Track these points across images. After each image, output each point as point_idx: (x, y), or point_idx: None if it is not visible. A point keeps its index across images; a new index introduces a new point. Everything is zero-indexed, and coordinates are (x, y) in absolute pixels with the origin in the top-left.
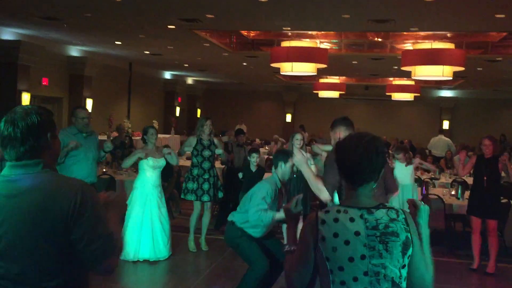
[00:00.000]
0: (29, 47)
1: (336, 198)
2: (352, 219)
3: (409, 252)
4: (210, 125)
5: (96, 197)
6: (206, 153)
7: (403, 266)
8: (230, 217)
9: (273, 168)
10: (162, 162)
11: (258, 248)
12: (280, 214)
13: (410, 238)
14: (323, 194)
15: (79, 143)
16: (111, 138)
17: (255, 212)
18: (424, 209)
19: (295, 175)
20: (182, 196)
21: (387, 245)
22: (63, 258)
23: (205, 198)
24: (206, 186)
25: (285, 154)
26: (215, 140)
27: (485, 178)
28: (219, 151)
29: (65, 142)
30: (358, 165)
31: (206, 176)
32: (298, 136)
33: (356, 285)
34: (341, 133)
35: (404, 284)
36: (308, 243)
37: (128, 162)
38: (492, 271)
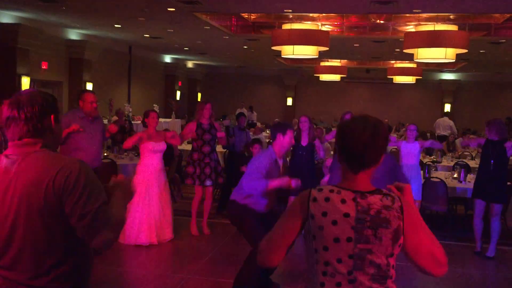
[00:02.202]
0: (28, 30)
1: None
2: (343, 201)
3: (400, 241)
4: (210, 109)
5: (92, 176)
6: (207, 136)
7: (391, 255)
8: (231, 196)
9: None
10: (162, 146)
11: (262, 227)
12: (275, 182)
13: (402, 227)
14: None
15: (79, 127)
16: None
17: (248, 181)
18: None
19: (304, 160)
20: (184, 181)
21: (376, 231)
22: (58, 234)
23: (208, 183)
24: (207, 170)
25: (283, 126)
26: (216, 124)
27: (492, 161)
28: (220, 134)
29: (72, 125)
30: (364, 149)
31: (207, 161)
32: (302, 119)
33: (339, 267)
34: None
35: (391, 272)
36: (294, 214)
37: (128, 142)
38: (493, 254)
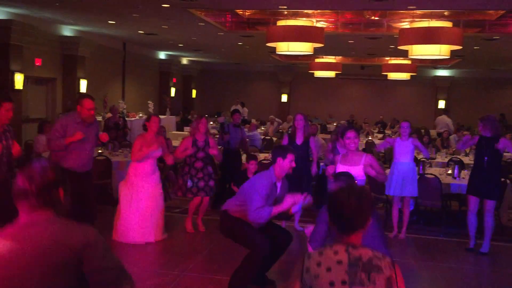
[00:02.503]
0: (22, 26)
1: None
2: (336, 252)
3: None
4: (206, 123)
5: (102, 240)
6: (200, 154)
7: None
8: (224, 206)
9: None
10: (158, 153)
11: (256, 230)
12: (278, 208)
13: (395, 278)
14: (309, 249)
15: (83, 135)
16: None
17: (253, 211)
18: None
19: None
20: (181, 194)
21: (369, 275)
22: None
23: (201, 194)
24: (201, 184)
25: (284, 150)
26: (211, 141)
27: (486, 158)
28: (213, 151)
29: (68, 128)
30: (351, 213)
31: (200, 175)
32: (298, 117)
33: None
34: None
35: None
36: (297, 280)
37: (137, 154)
38: (486, 250)
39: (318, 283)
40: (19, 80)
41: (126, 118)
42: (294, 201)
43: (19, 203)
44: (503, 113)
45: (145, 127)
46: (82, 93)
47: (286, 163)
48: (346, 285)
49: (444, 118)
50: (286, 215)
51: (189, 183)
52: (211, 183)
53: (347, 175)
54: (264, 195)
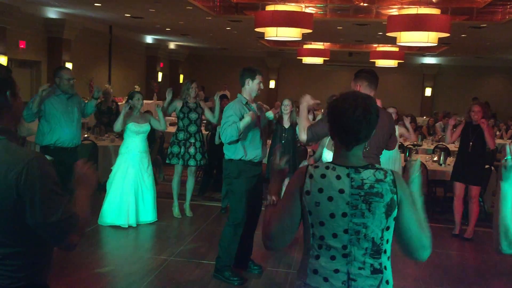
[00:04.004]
0: (5, 8)
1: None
2: (338, 177)
3: (394, 214)
4: (196, 88)
5: (48, 171)
6: (193, 115)
7: (387, 228)
8: (226, 156)
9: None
10: (145, 128)
11: (245, 198)
12: (245, 120)
13: (395, 200)
14: (302, 135)
15: (51, 89)
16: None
17: (223, 132)
18: (415, 178)
19: (283, 141)
20: (167, 161)
21: (370, 205)
22: (15, 229)
23: (191, 162)
24: (192, 150)
25: (252, 71)
26: (201, 103)
27: (470, 143)
28: (207, 114)
29: (49, 102)
30: (356, 126)
31: (192, 140)
32: (285, 102)
33: (334, 242)
34: (361, 87)
35: (385, 246)
36: (294, 195)
37: (118, 125)
38: (470, 236)
39: (318, 212)
40: (2, 63)
41: (118, 103)
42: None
43: None
44: (487, 101)
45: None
46: (59, 66)
47: (254, 85)
48: (346, 217)
49: None
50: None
51: (182, 150)
52: (204, 149)
53: None
54: (232, 115)
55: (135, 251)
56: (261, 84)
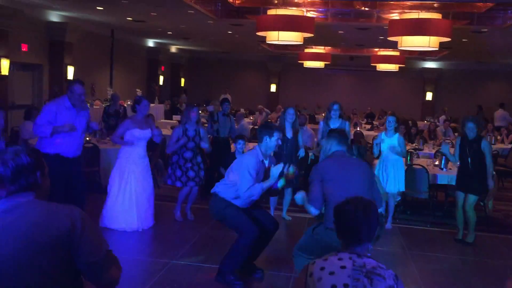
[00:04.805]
0: (8, 11)
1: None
2: (340, 259)
3: None
4: (198, 113)
5: (87, 217)
6: (190, 144)
7: None
8: (213, 189)
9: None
10: (148, 134)
11: (246, 216)
12: (267, 182)
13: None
14: (312, 210)
15: (73, 127)
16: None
17: (245, 191)
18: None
19: (284, 152)
20: (169, 183)
21: (372, 281)
22: (58, 273)
23: (191, 184)
24: (191, 174)
25: (270, 128)
26: (202, 131)
27: (469, 160)
28: (204, 145)
29: (58, 114)
30: (356, 228)
31: (189, 165)
32: (291, 111)
33: None
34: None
35: None
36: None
37: (117, 142)
38: (471, 240)
39: (320, 286)
40: (4, 66)
41: (126, 107)
42: (280, 171)
43: None
44: (480, 104)
45: (134, 109)
46: (73, 79)
47: (272, 142)
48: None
49: (502, 112)
50: (275, 192)
51: (178, 172)
52: (201, 173)
53: (339, 131)
54: (254, 173)
55: (137, 254)
56: (279, 141)
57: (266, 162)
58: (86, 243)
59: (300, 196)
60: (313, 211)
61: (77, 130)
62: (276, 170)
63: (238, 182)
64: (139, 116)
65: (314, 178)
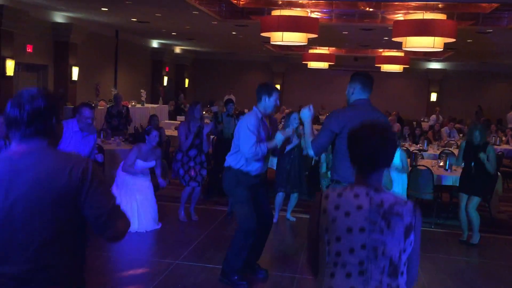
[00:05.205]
0: (13, 12)
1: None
2: (357, 195)
3: (411, 238)
4: (200, 110)
5: (98, 169)
6: (195, 141)
7: (404, 250)
8: (226, 163)
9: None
10: (151, 164)
11: (250, 205)
12: (272, 142)
13: (413, 224)
14: (309, 151)
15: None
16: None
17: (249, 148)
18: None
19: (292, 156)
20: (173, 177)
21: (390, 222)
22: (66, 227)
23: (193, 184)
24: (192, 173)
25: (269, 88)
26: (204, 131)
27: (472, 164)
28: (206, 129)
29: (64, 135)
30: (373, 154)
31: (192, 164)
32: (295, 115)
33: (350, 257)
34: (355, 91)
35: (403, 268)
36: (316, 220)
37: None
38: (476, 242)
39: (335, 228)
40: (10, 67)
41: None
42: (285, 136)
43: (11, 132)
44: (480, 105)
45: (143, 138)
46: (83, 103)
47: (271, 101)
48: (364, 232)
49: None
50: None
51: (181, 172)
52: (203, 172)
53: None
54: (254, 130)
55: (141, 254)
56: (278, 101)
57: (265, 122)
58: (94, 195)
59: (306, 114)
60: (311, 153)
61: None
62: (280, 136)
63: (242, 143)
64: (147, 146)
65: (327, 126)
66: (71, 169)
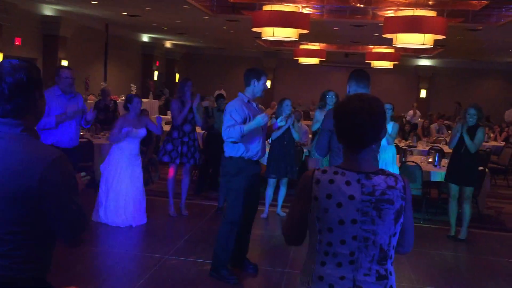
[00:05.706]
0: (1, 4)
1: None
2: (348, 183)
3: (401, 219)
4: (191, 87)
5: (70, 169)
6: (189, 115)
7: (394, 234)
8: (226, 154)
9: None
10: (142, 133)
11: (244, 196)
12: (250, 124)
13: (403, 206)
14: (315, 154)
15: (78, 112)
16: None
17: (224, 130)
18: None
19: (285, 142)
20: (158, 159)
21: (381, 212)
22: (32, 221)
23: (184, 160)
24: (184, 149)
25: (258, 72)
26: (194, 105)
27: (462, 149)
28: (196, 102)
29: (49, 103)
30: (362, 128)
31: (186, 139)
32: (288, 102)
33: (342, 248)
34: (351, 89)
35: (392, 252)
36: (302, 199)
37: (116, 138)
38: (464, 237)
39: (327, 218)
40: None
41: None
42: (264, 117)
43: None
44: (459, 101)
45: (127, 108)
46: (60, 65)
47: (260, 85)
48: (356, 224)
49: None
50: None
51: (169, 147)
52: (197, 154)
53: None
54: (237, 116)
55: (131, 249)
56: (266, 85)
57: (254, 105)
58: (56, 198)
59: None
60: (317, 155)
61: (69, 120)
62: (261, 118)
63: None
64: (131, 115)
65: (324, 127)
66: (36, 169)
